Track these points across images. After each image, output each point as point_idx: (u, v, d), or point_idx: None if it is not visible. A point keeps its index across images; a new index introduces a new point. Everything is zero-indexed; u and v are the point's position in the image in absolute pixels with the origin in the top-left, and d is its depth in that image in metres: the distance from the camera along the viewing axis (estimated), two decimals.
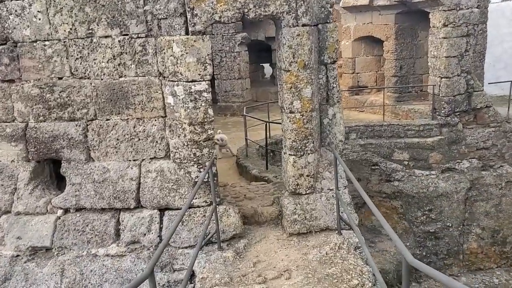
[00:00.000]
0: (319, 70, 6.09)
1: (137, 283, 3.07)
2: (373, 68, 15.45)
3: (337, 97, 6.25)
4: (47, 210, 6.25)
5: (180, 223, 5.69)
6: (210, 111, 5.66)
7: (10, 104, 6.20)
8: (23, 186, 6.31)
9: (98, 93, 5.97)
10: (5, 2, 5.84)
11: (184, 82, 5.50)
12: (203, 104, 5.58)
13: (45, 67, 5.98)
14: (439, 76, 11.33)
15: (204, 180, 5.67)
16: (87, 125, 6.09)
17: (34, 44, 5.93)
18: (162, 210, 6.00)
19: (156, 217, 5.95)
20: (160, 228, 5.91)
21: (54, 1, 5.72)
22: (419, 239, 10.85)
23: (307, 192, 5.95)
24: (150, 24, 5.69)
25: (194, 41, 5.38)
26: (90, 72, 5.92)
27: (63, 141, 6.14)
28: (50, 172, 6.64)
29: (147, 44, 5.75)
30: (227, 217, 5.81)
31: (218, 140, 10.18)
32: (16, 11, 5.85)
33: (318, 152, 6.14)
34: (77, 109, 6.05)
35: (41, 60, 5.96)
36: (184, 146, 5.73)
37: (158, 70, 5.80)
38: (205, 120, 5.64)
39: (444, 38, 11.07)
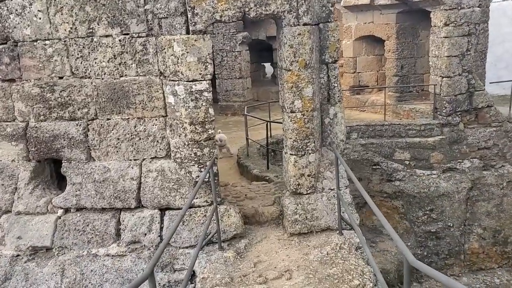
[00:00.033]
0: (320, 69, 6.07)
1: (137, 284, 3.06)
2: (374, 67, 15.43)
3: (338, 96, 6.23)
4: (48, 210, 6.24)
5: (181, 223, 5.69)
6: (211, 111, 5.65)
7: (10, 104, 6.19)
8: (23, 186, 6.31)
9: (98, 92, 5.96)
10: (6, 1, 5.83)
11: (185, 82, 5.48)
12: (204, 104, 5.56)
13: (45, 67, 5.97)
14: (440, 76, 11.30)
15: (205, 179, 5.66)
16: (88, 124, 6.08)
17: (35, 43, 5.92)
18: (162, 210, 5.98)
19: (156, 217, 5.94)
20: (161, 228, 5.90)
21: (55, 0, 5.71)
22: (420, 239, 10.83)
23: (308, 192, 5.93)
24: (150, 24, 5.68)
25: (195, 40, 5.37)
26: (90, 71, 5.91)
27: (64, 140, 6.13)
28: (51, 171, 6.63)
29: (148, 43, 5.73)
30: (228, 217, 5.80)
31: (217, 140, 10.16)
32: (16, 10, 5.84)
33: (319, 152, 6.12)
34: (77, 108, 6.04)
35: (42, 59, 5.95)
36: (185, 146, 5.72)
37: (158, 70, 5.79)
38: (206, 119, 5.62)
39: (446, 37, 11.04)
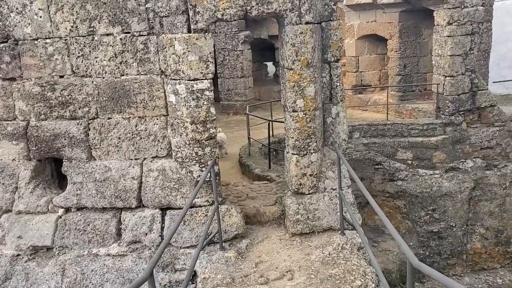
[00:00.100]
0: (323, 68, 6.03)
1: (137, 284, 3.03)
2: (376, 66, 15.37)
3: (340, 95, 6.19)
4: (48, 209, 6.22)
5: (182, 222, 5.66)
6: (213, 110, 5.62)
7: (11, 103, 6.17)
8: (24, 185, 6.29)
9: (99, 91, 5.93)
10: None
11: (186, 81, 5.45)
12: (205, 103, 5.53)
13: (46, 65, 5.95)
14: (443, 75, 11.25)
15: (206, 179, 5.63)
16: (89, 123, 6.06)
17: (35, 42, 5.89)
18: (163, 210, 5.96)
19: (157, 217, 5.91)
20: (162, 228, 5.87)
21: None
22: (422, 239, 10.80)
23: (310, 191, 5.90)
24: (152, 22, 5.65)
25: (196, 39, 5.34)
26: (91, 70, 5.89)
27: (65, 139, 6.11)
28: (51, 171, 6.61)
29: (149, 42, 5.70)
30: (229, 216, 5.77)
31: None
32: (17, 8, 5.82)
33: (321, 151, 6.09)
34: (78, 107, 6.02)
35: (42, 58, 5.93)
36: (186, 145, 5.69)
37: (160, 69, 5.76)
38: (207, 118, 5.59)
39: (449, 36, 10.98)
